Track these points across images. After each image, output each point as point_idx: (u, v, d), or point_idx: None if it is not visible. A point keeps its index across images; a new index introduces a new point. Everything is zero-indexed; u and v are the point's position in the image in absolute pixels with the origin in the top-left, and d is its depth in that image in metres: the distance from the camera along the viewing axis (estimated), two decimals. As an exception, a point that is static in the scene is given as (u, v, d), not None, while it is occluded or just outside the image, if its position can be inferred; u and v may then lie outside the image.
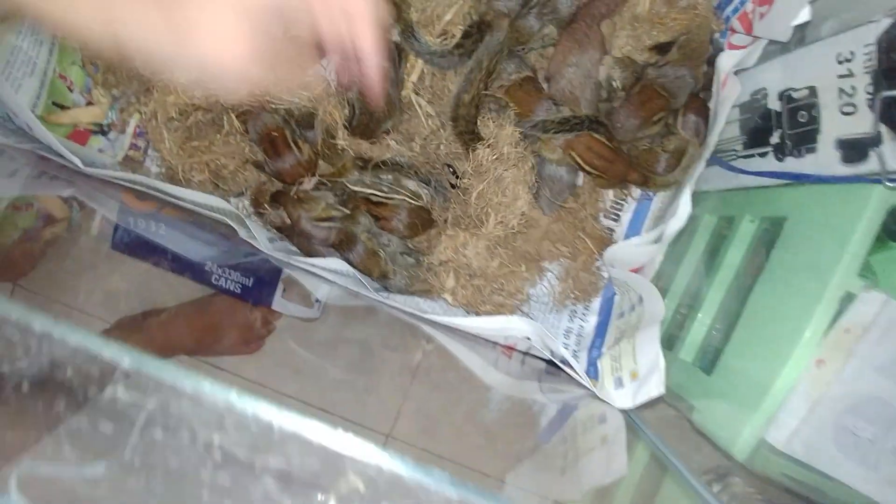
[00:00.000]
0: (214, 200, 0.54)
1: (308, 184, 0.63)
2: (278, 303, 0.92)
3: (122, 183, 0.57)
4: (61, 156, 0.53)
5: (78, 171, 0.55)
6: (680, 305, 0.76)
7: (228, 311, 0.98)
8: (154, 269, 0.97)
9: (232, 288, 0.92)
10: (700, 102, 0.64)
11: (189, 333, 1.02)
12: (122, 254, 0.93)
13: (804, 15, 0.50)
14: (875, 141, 0.41)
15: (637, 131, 0.62)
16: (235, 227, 0.54)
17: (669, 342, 0.73)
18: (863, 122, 0.47)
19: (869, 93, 0.48)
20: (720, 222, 0.74)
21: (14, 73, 0.66)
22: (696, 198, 0.72)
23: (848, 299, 0.51)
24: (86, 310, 1.10)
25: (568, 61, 0.60)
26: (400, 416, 0.98)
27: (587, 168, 0.59)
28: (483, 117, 0.58)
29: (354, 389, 1.00)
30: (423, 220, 0.62)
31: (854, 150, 0.42)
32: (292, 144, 0.60)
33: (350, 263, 0.61)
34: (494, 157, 0.54)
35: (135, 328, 1.01)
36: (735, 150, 0.67)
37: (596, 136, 0.59)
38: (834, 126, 0.52)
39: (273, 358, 1.08)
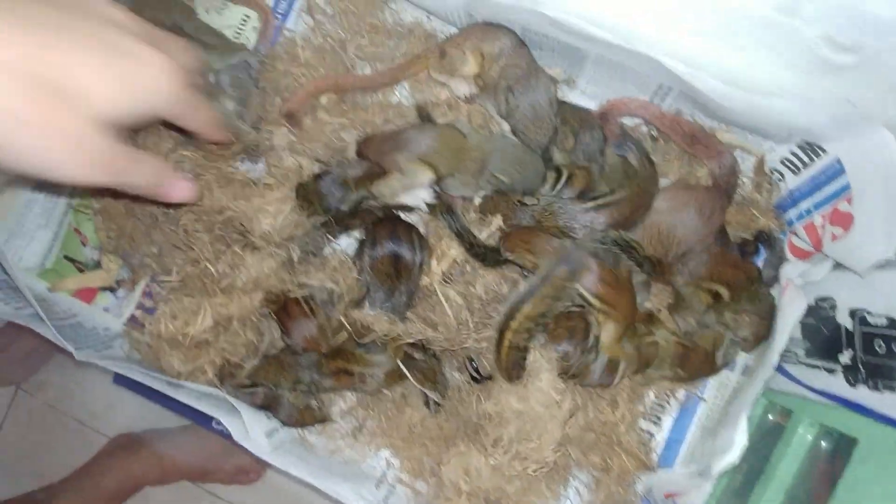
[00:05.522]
0: (208, 389, 0.50)
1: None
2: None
3: (114, 370, 0.53)
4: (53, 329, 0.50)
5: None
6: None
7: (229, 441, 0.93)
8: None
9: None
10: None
11: (188, 460, 0.96)
12: (124, 388, 0.89)
13: (888, 253, 0.44)
14: None
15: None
16: (228, 428, 0.49)
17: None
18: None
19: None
20: (771, 407, 0.65)
21: (27, 226, 0.63)
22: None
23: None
24: (85, 422, 1.06)
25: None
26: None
27: (591, 299, 0.51)
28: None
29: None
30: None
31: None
32: (306, 308, 0.57)
33: (283, 423, 0.58)
34: (520, 406, 0.47)
35: (134, 449, 0.95)
36: (795, 354, 0.60)
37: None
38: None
39: (272, 489, 1.02)
